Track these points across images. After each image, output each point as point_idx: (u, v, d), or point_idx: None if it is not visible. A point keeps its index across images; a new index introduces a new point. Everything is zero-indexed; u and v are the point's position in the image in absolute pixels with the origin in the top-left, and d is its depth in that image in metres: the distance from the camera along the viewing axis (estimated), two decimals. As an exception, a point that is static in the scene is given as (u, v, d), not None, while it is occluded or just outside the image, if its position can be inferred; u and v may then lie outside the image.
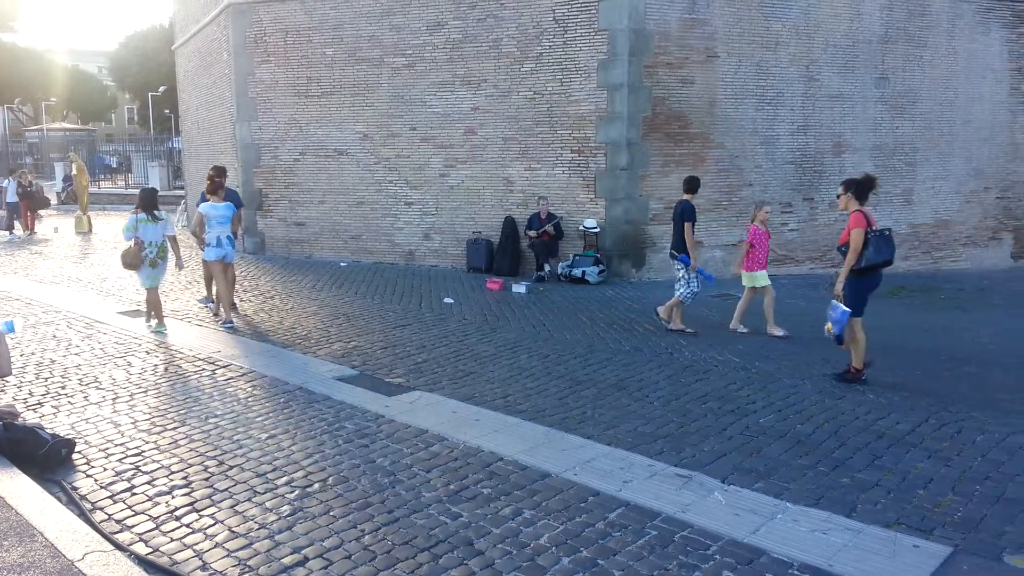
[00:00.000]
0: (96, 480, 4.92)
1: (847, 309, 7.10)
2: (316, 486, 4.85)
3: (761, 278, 9.58)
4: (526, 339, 8.91)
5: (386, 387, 6.93)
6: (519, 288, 12.11)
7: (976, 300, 12.14)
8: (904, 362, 8.14)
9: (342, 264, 14.75)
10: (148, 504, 4.59)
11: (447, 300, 11.17)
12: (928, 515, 4.52)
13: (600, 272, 13.05)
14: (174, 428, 5.85)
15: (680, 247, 9.36)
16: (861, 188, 7.50)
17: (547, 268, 13.31)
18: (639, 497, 4.68)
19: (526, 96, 13.56)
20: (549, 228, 13.14)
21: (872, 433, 5.86)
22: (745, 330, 9.54)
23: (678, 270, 9.47)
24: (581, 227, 13.31)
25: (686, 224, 9.23)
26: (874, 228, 7.30)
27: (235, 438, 5.65)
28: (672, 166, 13.31)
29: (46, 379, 7.11)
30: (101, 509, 4.53)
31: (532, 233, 13.30)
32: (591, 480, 4.92)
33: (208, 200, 9.43)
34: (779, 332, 9.36)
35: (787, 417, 6.23)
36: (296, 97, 15.15)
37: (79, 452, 5.34)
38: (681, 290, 9.39)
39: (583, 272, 12.96)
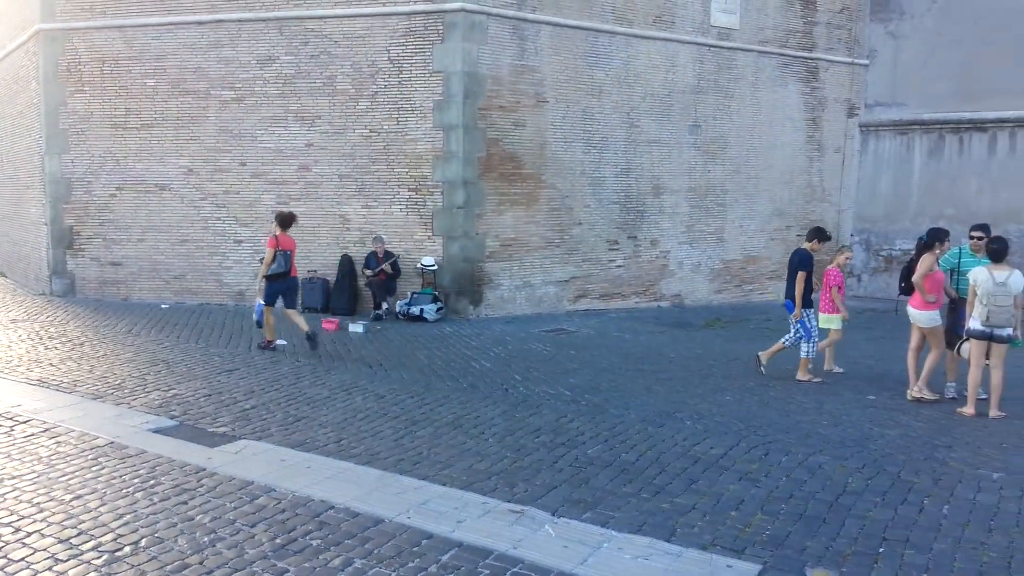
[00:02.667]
0: None
1: (262, 302, 10.15)
2: (127, 549, 4.51)
3: (837, 320, 9.68)
4: (362, 380, 8.78)
5: (209, 437, 6.59)
6: (356, 327, 11.93)
7: (781, 329, 13.19)
8: (717, 388, 8.72)
9: (163, 306, 13.92)
10: (-75, 583, 4.09)
11: (279, 342, 10.81)
12: (740, 535, 4.84)
13: (438, 310, 13.11)
14: (-39, 494, 5.26)
15: (791, 294, 9.38)
16: (283, 220, 10.27)
17: (385, 307, 13.21)
18: (472, 536, 4.71)
19: (362, 134, 13.50)
20: (386, 266, 13.08)
21: (689, 458, 6.23)
22: (840, 370, 9.83)
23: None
24: (419, 265, 13.35)
25: (800, 272, 9.25)
26: (282, 248, 10.06)
27: (35, 501, 5.16)
28: (507, 205, 13.68)
29: None
30: None
31: (369, 271, 13.18)
32: (425, 523, 4.90)
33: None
34: (839, 370, 9.86)
35: (613, 447, 6.50)
36: (113, 129, 14.26)
37: None
38: (802, 347, 9.40)
39: (421, 310, 12.97)
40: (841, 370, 9.89)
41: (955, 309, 8.47)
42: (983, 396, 7.90)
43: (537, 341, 11.54)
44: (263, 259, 10.23)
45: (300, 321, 10.16)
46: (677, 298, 15.72)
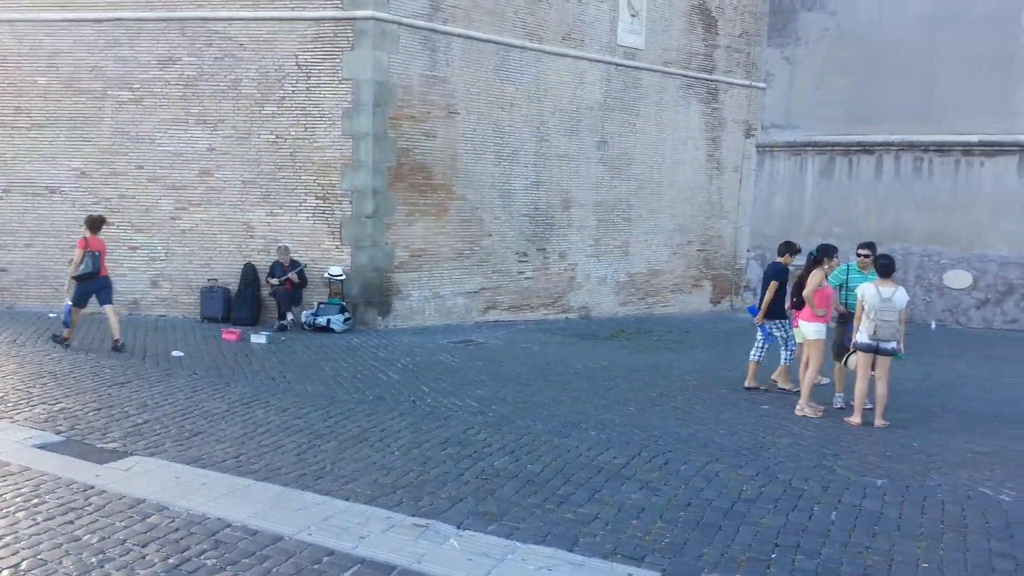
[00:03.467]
0: None
1: (70, 303, 10.43)
2: (5, 574, 4.24)
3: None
4: (263, 392, 8.55)
5: (98, 454, 6.28)
6: (259, 338, 11.61)
7: (681, 341, 13.67)
8: (621, 399, 8.91)
9: (51, 315, 13.17)
10: None
11: (176, 353, 10.42)
12: (640, 543, 4.95)
13: (346, 320, 12.91)
14: None
15: (771, 311, 9.57)
16: (93, 223, 10.59)
17: (290, 317, 12.91)
18: (375, 552, 4.65)
19: (268, 139, 13.19)
20: (292, 275, 12.79)
21: (593, 468, 6.35)
22: (826, 381, 9.79)
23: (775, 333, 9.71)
24: (326, 274, 13.12)
25: (772, 283, 9.52)
26: (91, 249, 10.32)
27: (-100, 526, 4.80)
28: (417, 215, 13.62)
29: None
30: None
31: (274, 281, 12.86)
32: (327, 539, 4.81)
33: None
34: (823, 380, 9.79)
35: (519, 458, 6.55)
36: (1, 128, 13.45)
37: None
38: (784, 354, 9.70)
39: (328, 320, 12.75)
40: (825, 380, 10.18)
41: (844, 323, 8.93)
42: (869, 406, 8.34)
43: (446, 352, 11.52)
44: (72, 260, 10.59)
45: (115, 325, 10.43)
46: (584, 310, 15.99)
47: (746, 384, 9.78)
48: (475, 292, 14.46)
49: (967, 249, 16.55)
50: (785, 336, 9.68)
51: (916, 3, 16.79)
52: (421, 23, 13.27)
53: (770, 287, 9.56)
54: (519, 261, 14.98)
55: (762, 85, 18.28)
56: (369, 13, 12.71)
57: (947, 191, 16.70)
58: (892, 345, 8.06)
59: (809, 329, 8.66)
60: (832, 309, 8.85)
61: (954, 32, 16.43)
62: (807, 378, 8.62)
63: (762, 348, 9.78)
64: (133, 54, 13.21)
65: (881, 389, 8.16)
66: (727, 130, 17.90)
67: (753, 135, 18.34)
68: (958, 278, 16.63)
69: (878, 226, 16.84)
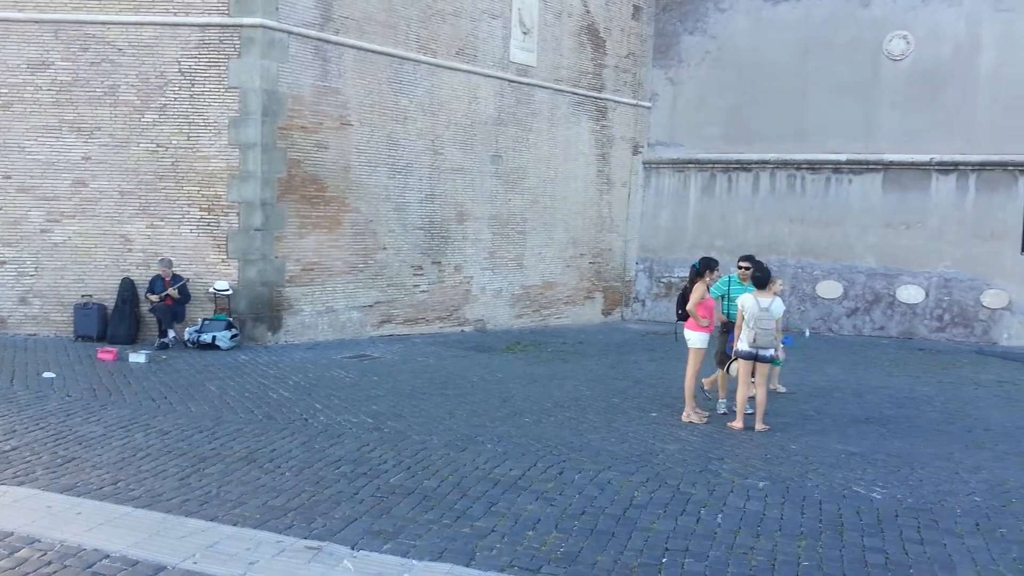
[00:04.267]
0: None
1: None
2: None
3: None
4: (143, 415, 8.14)
5: (-41, 485, 5.82)
6: (138, 358, 11.05)
7: (575, 352, 13.93)
8: (516, 410, 8.99)
9: (-96, 335, 12.16)
10: None
11: (47, 375, 9.79)
12: (536, 554, 5.00)
13: (233, 337, 12.47)
14: None
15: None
16: None
17: (172, 334, 12.36)
18: (266, 576, 4.51)
19: (148, 148, 12.63)
20: (173, 291, 12.26)
21: (490, 481, 6.37)
22: (784, 389, 10.58)
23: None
24: (212, 290, 12.65)
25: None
26: None
27: None
28: (309, 228, 13.34)
29: None
30: None
31: (154, 297, 12.29)
32: (213, 567, 4.62)
33: None
34: (783, 389, 10.66)
35: (415, 474, 6.50)
36: None
37: None
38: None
39: (214, 337, 12.28)
40: (785, 389, 10.72)
41: (726, 332, 9.32)
42: (750, 411, 8.73)
43: (339, 368, 11.31)
44: None
45: None
46: (480, 323, 16.06)
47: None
48: (370, 306, 14.28)
49: (837, 261, 17.63)
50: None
51: (789, 30, 17.82)
52: (312, 33, 13.06)
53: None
54: (414, 274, 14.90)
55: (648, 104, 18.94)
56: (257, 21, 12.40)
57: (818, 206, 17.76)
58: (770, 352, 8.48)
59: (693, 338, 9.00)
60: (715, 319, 9.23)
61: (823, 58, 17.53)
62: (687, 385, 8.94)
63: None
64: (1, 56, 12.39)
65: (761, 395, 8.56)
66: (616, 147, 18.44)
67: (640, 152, 18.96)
68: (830, 288, 17.69)
69: (756, 239, 17.71)
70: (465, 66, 15.28)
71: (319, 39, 13.17)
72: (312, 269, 13.44)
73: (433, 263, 15.22)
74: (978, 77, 16.57)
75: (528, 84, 16.43)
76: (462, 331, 15.63)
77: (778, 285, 10.27)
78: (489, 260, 16.15)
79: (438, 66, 14.85)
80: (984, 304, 16.64)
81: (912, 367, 13.47)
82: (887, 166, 17.21)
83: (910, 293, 17.08)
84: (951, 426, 9.11)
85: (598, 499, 6.05)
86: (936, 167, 16.87)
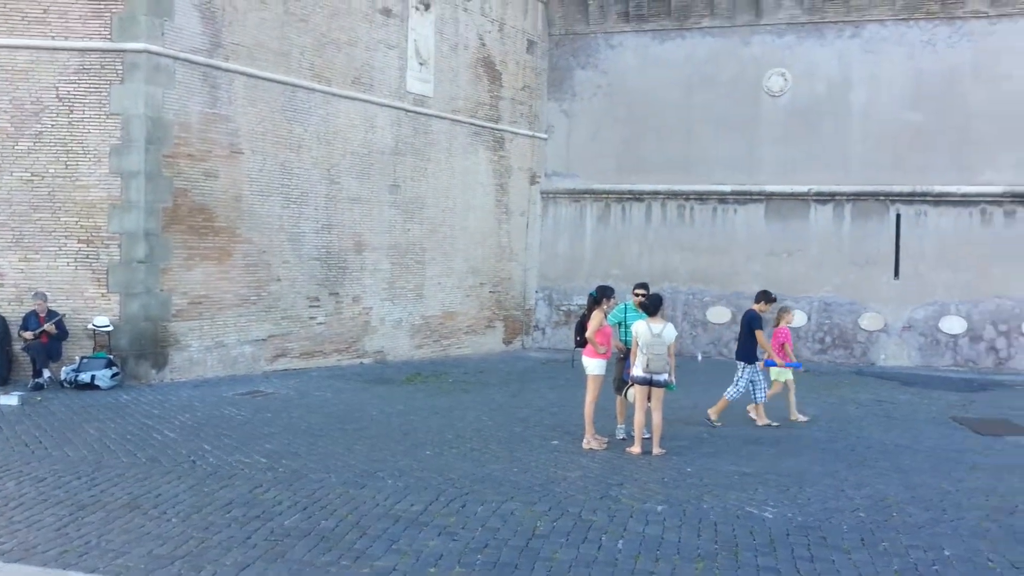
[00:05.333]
0: None
1: None
2: None
3: (786, 373, 10.93)
4: (16, 461, 7.57)
5: None
6: (9, 399, 10.29)
7: (476, 382, 13.89)
8: (417, 443, 8.86)
9: None
10: None
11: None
12: (438, 591, 4.91)
13: (114, 376, 11.79)
14: None
15: (742, 354, 10.57)
16: None
17: (47, 374, 11.59)
18: (150, 632, 4.23)
19: (22, 177, 11.91)
20: (49, 327, 11.52)
21: (390, 518, 6.23)
22: (806, 418, 10.87)
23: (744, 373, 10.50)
24: (90, 326, 11.96)
25: (757, 331, 10.41)
26: None
27: None
28: (197, 259, 12.84)
29: None
30: None
31: (28, 334, 11.51)
32: (91, 623, 4.31)
33: None
34: (803, 418, 10.90)
35: (312, 514, 6.29)
36: None
37: None
38: (757, 393, 10.48)
39: (93, 377, 11.58)
40: (806, 418, 10.97)
41: (624, 359, 9.50)
42: (647, 436, 8.90)
43: (230, 405, 10.86)
44: None
45: None
46: (380, 354, 15.80)
47: (759, 420, 10.61)
48: (263, 340, 13.82)
49: (725, 287, 18.34)
50: (754, 379, 10.51)
51: (675, 67, 18.58)
52: (199, 59, 12.68)
53: (758, 334, 10.47)
54: (310, 306, 14.55)
55: (544, 136, 19.31)
56: (141, 46, 11.95)
57: (707, 235, 18.47)
58: (664, 377, 8.69)
59: (591, 365, 9.12)
60: (612, 346, 9.39)
61: (708, 94, 18.36)
62: (587, 412, 9.05)
63: (737, 390, 10.56)
64: None
65: (657, 419, 8.75)
66: (513, 177, 18.67)
67: (537, 182, 19.27)
68: (719, 314, 18.36)
69: (650, 267, 18.24)
70: (361, 95, 15.17)
71: (208, 65, 12.80)
72: (200, 302, 12.91)
73: (330, 294, 14.90)
74: (850, 113, 17.72)
75: (425, 114, 16.46)
76: (361, 363, 15.33)
77: (791, 315, 11.22)
78: (388, 290, 15.96)
79: (333, 95, 14.68)
80: (862, 327, 17.65)
81: (797, 388, 14.05)
82: (769, 196, 18.10)
83: (794, 317, 17.89)
84: (835, 444, 9.55)
85: (501, 531, 6.01)
86: (814, 197, 17.87)
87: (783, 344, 11.07)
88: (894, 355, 17.49)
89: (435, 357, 16.73)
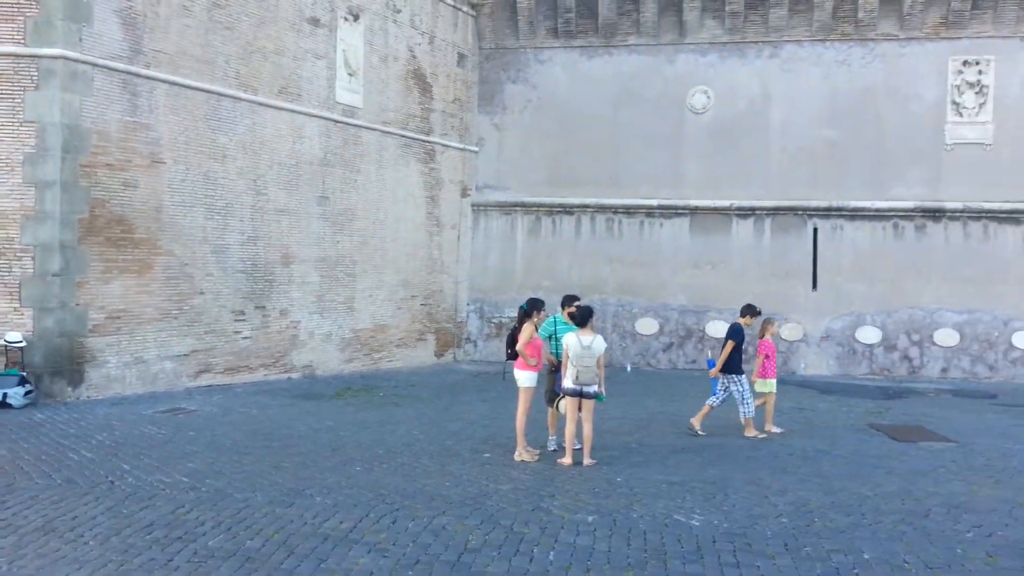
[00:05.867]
0: None
1: None
2: None
3: (772, 384, 11.03)
4: (-86, 487, 7.15)
5: None
6: (-92, 421, 9.72)
7: (408, 395, 13.78)
8: (347, 459, 8.73)
9: None
10: None
11: None
12: (369, 609, 4.84)
13: (27, 394, 11.26)
14: None
15: (724, 366, 10.63)
16: None
17: (-49, 393, 10.99)
18: (64, 663, 4.05)
19: (-77, 186, 11.30)
20: (-46, 344, 10.94)
21: (319, 536, 6.11)
22: (780, 430, 10.94)
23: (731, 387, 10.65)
24: (2, 341, 11.40)
25: (729, 342, 10.61)
26: None
27: None
28: (115, 272, 12.41)
29: None
30: None
31: (-71, 351, 10.91)
32: (-1, 656, 4.09)
33: None
34: (777, 430, 10.94)
35: (237, 535, 6.12)
36: None
37: None
38: (746, 407, 10.61)
39: (5, 395, 11.04)
40: (780, 430, 11.03)
41: (554, 371, 9.57)
42: (578, 446, 8.98)
43: (151, 423, 10.50)
44: None
45: None
46: (308, 369, 15.52)
47: (697, 427, 10.72)
48: (185, 355, 13.41)
49: (653, 299, 18.70)
50: (742, 391, 10.64)
51: (603, 83, 18.91)
52: (119, 66, 12.30)
53: (726, 346, 10.68)
54: (236, 320, 14.20)
55: (475, 149, 19.37)
56: (58, 52, 11.53)
57: (635, 248, 18.81)
58: (594, 388, 8.79)
59: (522, 377, 9.17)
60: (543, 359, 9.46)
61: (634, 110, 18.74)
62: (518, 424, 9.07)
63: (719, 399, 10.81)
64: None
65: (587, 430, 8.84)
66: (444, 189, 18.66)
67: (469, 195, 19.30)
68: (647, 325, 18.70)
69: (580, 279, 18.44)
70: (288, 105, 14.94)
71: (128, 72, 12.42)
72: (119, 317, 12.47)
73: (256, 308, 14.57)
74: (770, 130, 18.35)
75: (355, 125, 16.31)
76: (289, 378, 15.03)
77: (774, 327, 11.32)
78: (317, 303, 15.71)
79: (260, 104, 14.42)
80: (783, 337, 18.20)
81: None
82: (693, 211, 18.56)
83: (718, 328, 18.36)
84: (759, 452, 9.82)
85: (432, 546, 5.97)
86: (736, 212, 18.41)
87: (766, 356, 11.17)
88: (814, 364, 18.11)
89: (366, 371, 16.52)
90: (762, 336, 11.33)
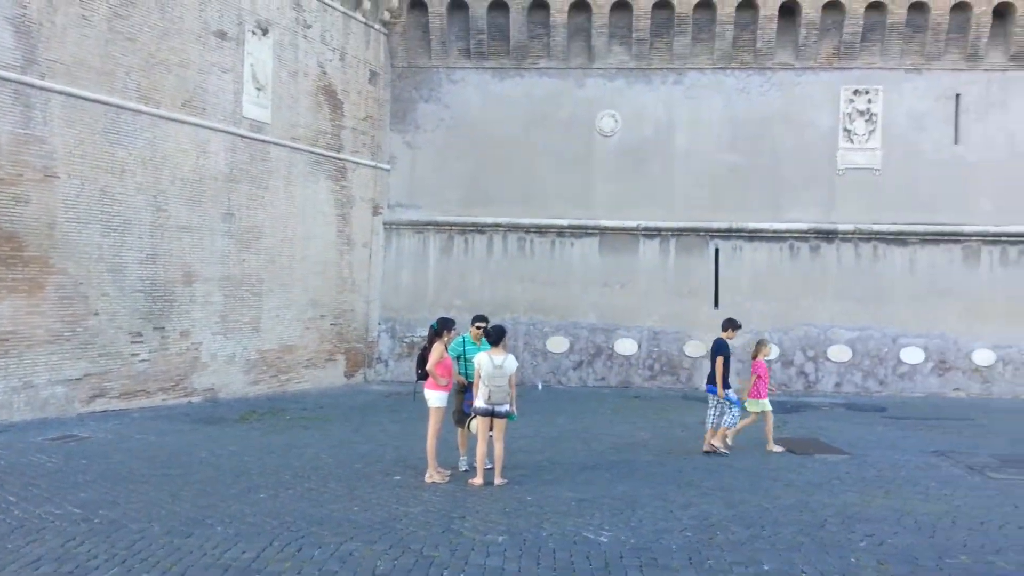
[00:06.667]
0: None
1: None
2: None
3: (765, 404, 11.17)
4: None
5: None
6: None
7: (316, 417, 13.49)
8: (251, 486, 8.47)
9: None
10: None
11: None
12: (272, 641, 4.69)
13: None
14: None
15: (712, 380, 10.84)
16: None
17: None
18: None
19: None
20: None
21: (220, 567, 5.89)
22: (780, 449, 11.06)
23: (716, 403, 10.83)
24: None
25: (718, 357, 10.69)
26: None
27: None
28: (3, 292, 11.76)
29: None
30: None
31: None
32: None
33: None
34: (779, 449, 11.08)
35: (132, 568, 5.84)
36: None
37: None
38: (726, 418, 10.80)
39: None
40: (780, 449, 11.14)
41: (462, 391, 9.56)
42: (489, 466, 8.98)
43: (40, 452, 9.92)
44: None
45: None
46: (210, 392, 15.00)
47: (704, 448, 10.92)
48: (78, 379, 12.76)
49: (564, 317, 18.95)
50: (731, 405, 10.84)
51: (515, 105, 19.16)
52: (11, 75, 11.71)
53: (718, 362, 10.78)
54: (133, 342, 13.61)
55: (387, 167, 19.26)
56: (-62, 57, 10.88)
57: (546, 267, 19.05)
58: (505, 408, 8.82)
59: (432, 398, 9.12)
60: (453, 379, 9.43)
61: (546, 132, 19.05)
62: (429, 444, 9.01)
63: (717, 415, 10.92)
64: None
65: (499, 449, 8.85)
66: (356, 207, 18.45)
67: (380, 213, 19.15)
68: (558, 343, 18.93)
69: (492, 298, 18.54)
70: (192, 119, 14.51)
71: (20, 83, 11.84)
72: (7, 339, 11.78)
73: (155, 329, 14.01)
74: (674, 153, 18.96)
75: (263, 141, 15.97)
76: (189, 402, 14.49)
77: (767, 348, 11.46)
78: (221, 324, 15.22)
79: (161, 117, 13.96)
80: (687, 354, 18.75)
81: (630, 413, 14.74)
82: (602, 231, 18.96)
83: (626, 346, 18.78)
84: (663, 467, 10.05)
85: (339, 573, 5.85)
86: (642, 232, 18.90)
87: (759, 377, 11.31)
88: (717, 380, 18.67)
89: (272, 393, 16.09)
90: (755, 357, 11.47)
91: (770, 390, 11.42)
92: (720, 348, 10.94)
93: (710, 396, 11.04)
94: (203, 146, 14.76)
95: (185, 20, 14.30)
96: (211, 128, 14.87)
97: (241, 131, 15.49)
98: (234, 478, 8.89)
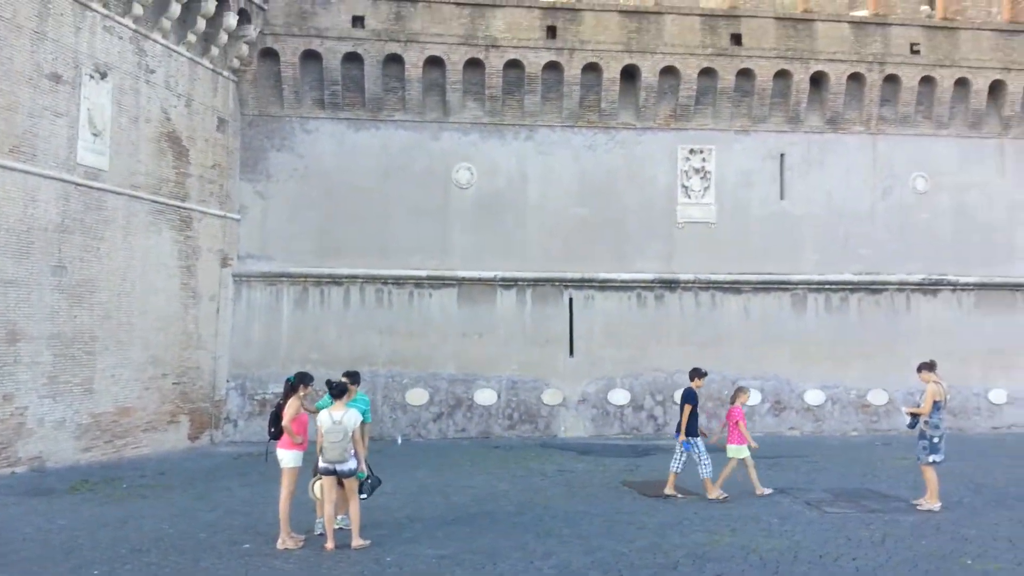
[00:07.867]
0: None
1: None
2: None
3: (743, 450, 11.39)
4: None
5: None
6: None
7: (156, 485, 12.61)
8: (83, 563, 7.78)
9: None
10: None
11: None
12: None
13: None
14: None
15: (688, 430, 11.21)
16: None
17: None
18: None
19: None
20: None
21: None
22: (769, 491, 11.44)
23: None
24: None
25: (686, 406, 11.17)
26: None
27: None
28: None
29: None
30: None
31: None
32: None
33: None
34: (767, 491, 11.44)
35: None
36: None
37: None
38: (700, 470, 11.19)
39: None
40: (769, 491, 11.50)
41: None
42: (342, 528, 8.69)
43: None
44: None
45: None
46: (37, 461, 13.69)
47: (665, 491, 11.39)
48: None
49: (423, 369, 18.84)
50: (700, 452, 11.24)
51: (371, 155, 19.15)
52: None
53: (684, 410, 11.24)
54: (-57, 409, 12.26)
55: (236, 216, 18.63)
56: None
57: (404, 318, 18.93)
58: (348, 466, 8.56)
59: (287, 457, 8.78)
60: (307, 437, 9.12)
61: (402, 183, 19.12)
62: (282, 508, 8.64)
63: (680, 461, 11.40)
64: None
65: (353, 509, 8.61)
66: (202, 259, 17.66)
67: (230, 264, 18.43)
68: (418, 396, 18.75)
69: (350, 351, 18.17)
70: (20, 165, 13.47)
71: None
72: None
73: (-30, 393, 12.70)
74: (528, 206, 19.52)
75: (99, 189, 15.03)
76: (13, 472, 13.15)
77: (745, 395, 11.75)
78: (49, 386, 13.99)
79: (-17, 164, 12.88)
80: (544, 402, 19.09)
81: (490, 464, 14.78)
82: (460, 281, 19.13)
83: (485, 396, 18.89)
84: (523, 517, 10.12)
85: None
86: (500, 283, 19.23)
87: (737, 423, 11.49)
88: (572, 427, 19.12)
89: (107, 460, 14.88)
90: (733, 402, 11.81)
91: (702, 433, 11.76)
92: (688, 397, 11.45)
93: (677, 443, 11.54)
94: (32, 194, 13.71)
95: (15, 61, 13.37)
96: (41, 175, 13.85)
97: (75, 178, 14.52)
98: (64, 555, 8.14)
